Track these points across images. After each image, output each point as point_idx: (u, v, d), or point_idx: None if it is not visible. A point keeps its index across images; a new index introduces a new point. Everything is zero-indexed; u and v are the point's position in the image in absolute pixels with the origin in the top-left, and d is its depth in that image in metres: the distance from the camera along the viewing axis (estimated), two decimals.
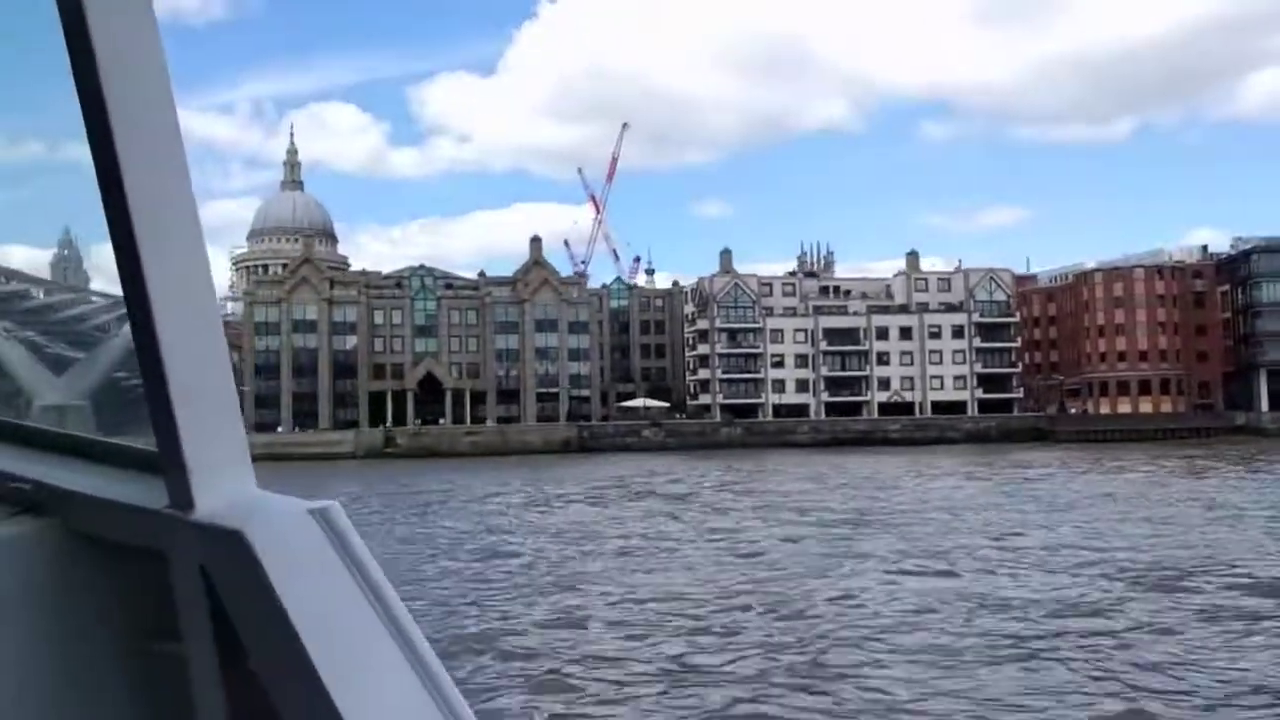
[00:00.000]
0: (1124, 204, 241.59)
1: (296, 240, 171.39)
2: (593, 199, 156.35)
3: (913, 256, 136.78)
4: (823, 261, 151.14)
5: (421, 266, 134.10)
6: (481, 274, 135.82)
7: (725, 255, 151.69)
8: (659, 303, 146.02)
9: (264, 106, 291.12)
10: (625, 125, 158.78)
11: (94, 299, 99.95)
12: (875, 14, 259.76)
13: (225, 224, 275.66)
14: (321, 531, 1.20)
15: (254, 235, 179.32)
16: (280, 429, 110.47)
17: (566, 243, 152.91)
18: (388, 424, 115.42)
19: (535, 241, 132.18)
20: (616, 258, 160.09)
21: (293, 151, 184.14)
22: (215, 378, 1.24)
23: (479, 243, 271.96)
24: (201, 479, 1.22)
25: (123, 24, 1.10)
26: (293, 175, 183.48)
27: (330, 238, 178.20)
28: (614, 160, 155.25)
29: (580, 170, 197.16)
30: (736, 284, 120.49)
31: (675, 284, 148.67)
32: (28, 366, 65.45)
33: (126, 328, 1.20)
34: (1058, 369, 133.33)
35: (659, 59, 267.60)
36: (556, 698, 14.19)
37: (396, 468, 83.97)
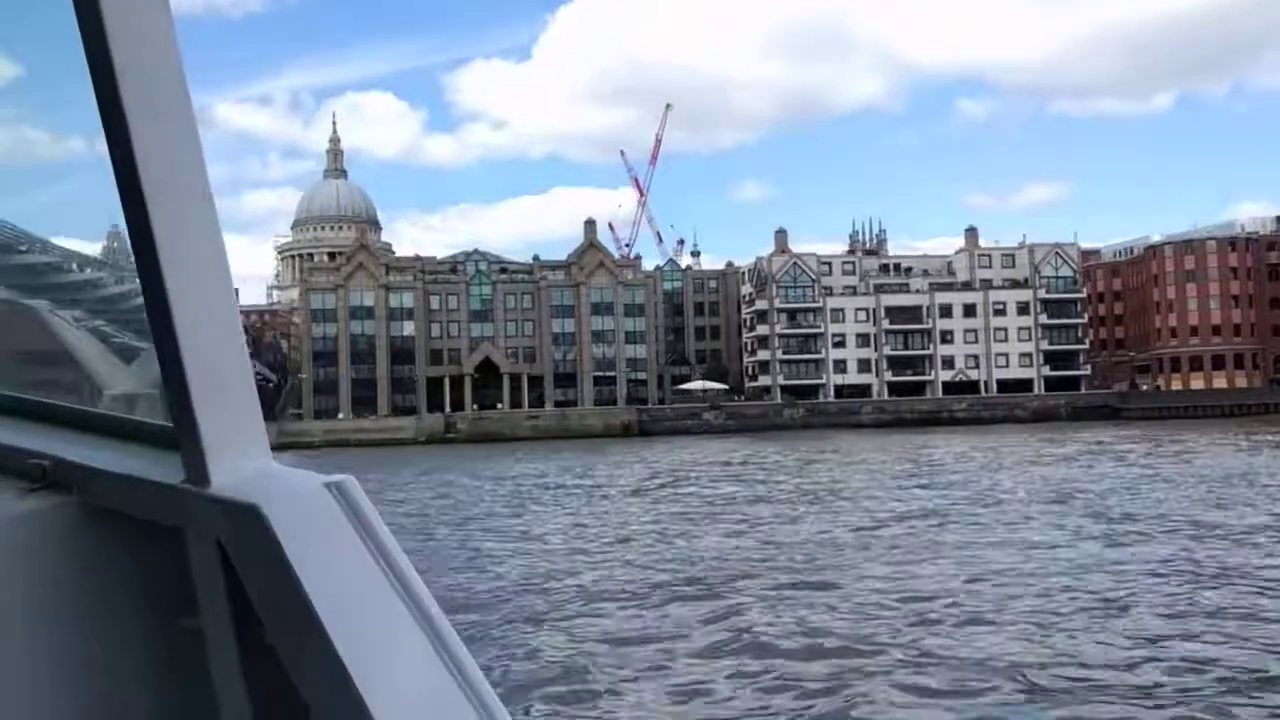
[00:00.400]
0: (1168, 177, 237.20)
1: (341, 228, 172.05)
2: (635, 182, 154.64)
3: (971, 233, 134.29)
4: (875, 240, 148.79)
5: (475, 251, 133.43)
6: (535, 258, 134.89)
7: (780, 235, 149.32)
8: (713, 284, 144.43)
9: (301, 97, 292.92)
10: (668, 106, 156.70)
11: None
12: None
13: (265, 214, 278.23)
14: (338, 506, 1.20)
15: (298, 224, 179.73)
16: (341, 415, 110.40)
17: (610, 226, 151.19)
18: (446, 409, 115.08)
19: (589, 224, 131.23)
20: (660, 240, 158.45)
21: (335, 140, 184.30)
22: (229, 354, 1.25)
23: (517, 229, 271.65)
24: (217, 454, 1.23)
25: (138, 18, 1.11)
26: (336, 164, 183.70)
27: (374, 225, 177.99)
28: (658, 142, 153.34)
29: (623, 153, 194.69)
30: (795, 263, 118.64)
31: (729, 265, 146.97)
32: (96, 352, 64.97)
33: None
34: (1123, 345, 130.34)
35: (694, 41, 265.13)
36: None
37: (463, 452, 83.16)
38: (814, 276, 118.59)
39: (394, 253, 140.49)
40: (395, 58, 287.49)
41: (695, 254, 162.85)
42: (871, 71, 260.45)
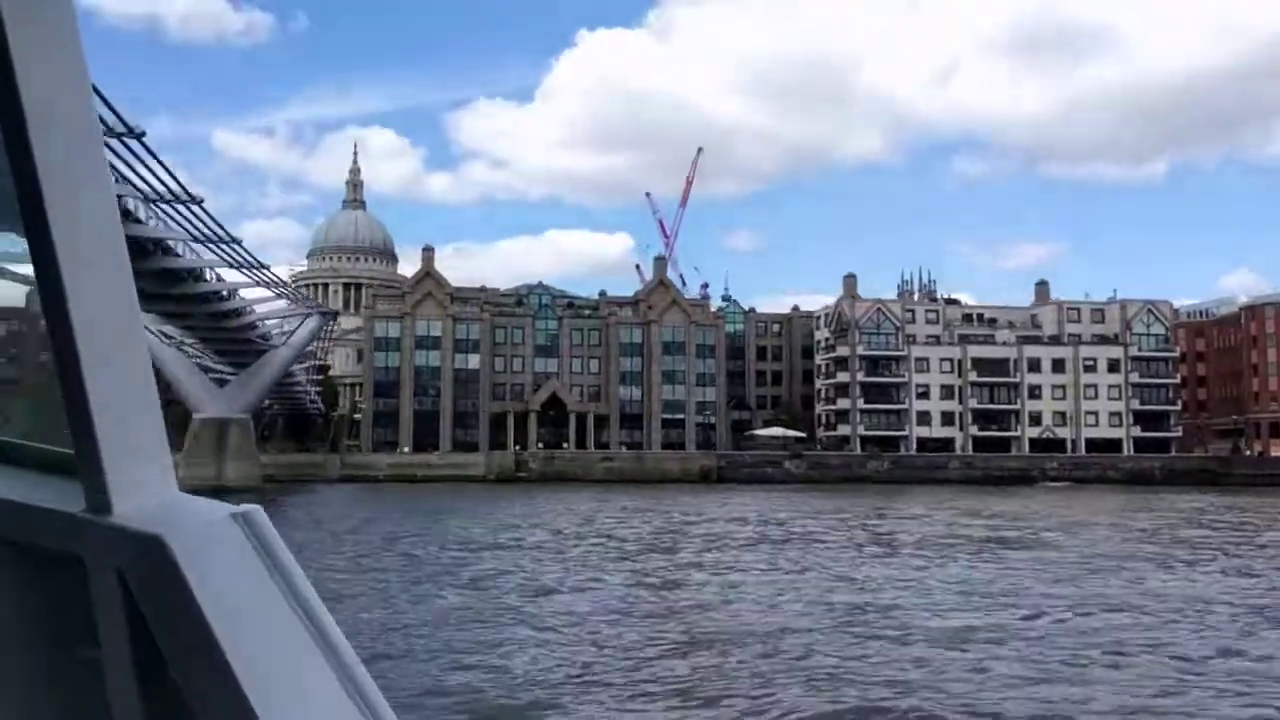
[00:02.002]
0: (1159, 244, 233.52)
1: (358, 259, 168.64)
2: (660, 224, 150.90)
3: (1043, 287, 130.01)
4: (924, 290, 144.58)
5: (539, 284, 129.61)
6: (602, 293, 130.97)
7: (849, 280, 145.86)
8: (775, 328, 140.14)
9: (303, 129, 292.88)
10: (700, 150, 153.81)
11: None
12: (911, 47, 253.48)
13: (262, 243, 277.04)
14: (244, 536, 1.17)
15: (314, 254, 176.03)
16: (405, 449, 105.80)
17: (638, 266, 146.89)
18: (513, 447, 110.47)
19: (660, 261, 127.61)
20: (684, 284, 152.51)
21: (355, 170, 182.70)
22: (135, 381, 1.20)
23: (512, 269, 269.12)
24: (120, 482, 1.18)
25: (42, 32, 1.05)
26: (355, 195, 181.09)
27: (391, 258, 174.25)
28: (688, 184, 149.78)
29: (648, 194, 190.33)
30: (879, 309, 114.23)
31: (795, 309, 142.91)
32: None
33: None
34: (1204, 408, 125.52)
35: (695, 89, 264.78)
36: None
37: (541, 493, 78.25)
38: (898, 324, 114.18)
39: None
40: (398, 95, 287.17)
41: (726, 299, 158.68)
42: (873, 126, 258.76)
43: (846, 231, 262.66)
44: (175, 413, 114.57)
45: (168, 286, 46.12)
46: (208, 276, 49.84)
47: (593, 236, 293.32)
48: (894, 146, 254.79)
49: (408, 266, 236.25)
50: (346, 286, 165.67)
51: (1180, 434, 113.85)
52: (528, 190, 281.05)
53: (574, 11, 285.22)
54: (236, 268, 51.43)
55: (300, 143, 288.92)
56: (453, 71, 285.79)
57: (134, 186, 31.38)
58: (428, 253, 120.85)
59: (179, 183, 35.99)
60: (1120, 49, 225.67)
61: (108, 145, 23.76)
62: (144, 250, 40.00)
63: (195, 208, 37.75)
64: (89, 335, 1.13)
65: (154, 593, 1.13)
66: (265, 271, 53.74)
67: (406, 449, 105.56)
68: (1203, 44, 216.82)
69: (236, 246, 48.69)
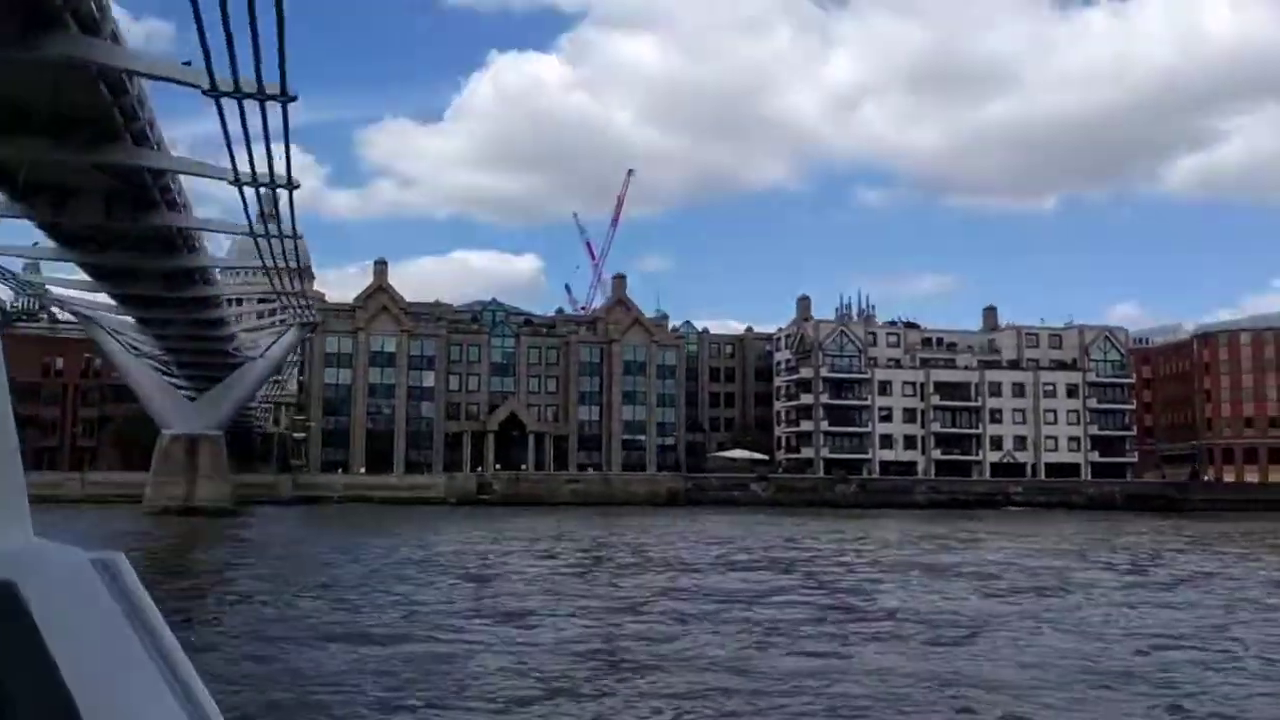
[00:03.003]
0: (1052, 276, 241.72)
1: (275, 277, 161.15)
2: (588, 245, 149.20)
3: (991, 312, 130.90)
4: (862, 315, 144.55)
5: (493, 300, 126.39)
6: (559, 310, 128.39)
7: (803, 302, 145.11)
8: (729, 349, 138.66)
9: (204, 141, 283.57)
10: (631, 171, 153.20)
11: None
12: (818, 79, 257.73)
13: None
14: (103, 583, 1.12)
15: (225, 270, 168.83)
16: (362, 470, 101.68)
17: (568, 287, 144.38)
18: (466, 468, 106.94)
19: (619, 279, 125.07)
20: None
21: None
22: None
23: (418, 289, 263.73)
24: None
25: None
26: (273, 208, 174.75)
27: (309, 274, 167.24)
28: (619, 204, 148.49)
29: (575, 215, 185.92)
30: (843, 331, 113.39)
31: (749, 330, 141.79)
32: None
33: None
34: (1151, 434, 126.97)
35: (606, 113, 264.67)
36: None
37: (510, 516, 75.24)
38: (860, 346, 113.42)
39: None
40: (304, 110, 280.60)
41: (663, 317, 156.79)
42: (779, 154, 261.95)
43: (754, 256, 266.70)
44: (148, 430, 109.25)
45: (178, 289, 42.64)
46: (214, 279, 46.04)
47: (501, 257, 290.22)
48: (801, 174, 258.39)
49: (322, 284, 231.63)
50: (261, 301, 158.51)
51: (1136, 459, 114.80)
52: (435, 210, 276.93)
53: (487, 33, 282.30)
54: (258, 270, 46.57)
55: (200, 155, 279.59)
56: (361, 89, 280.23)
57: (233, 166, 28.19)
58: (381, 266, 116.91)
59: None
60: (1017, 88, 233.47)
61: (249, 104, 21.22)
62: (170, 245, 36.56)
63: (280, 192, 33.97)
64: None
65: (5, 643, 1.05)
66: (271, 278, 49.10)
67: (362, 469, 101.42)
68: (1095, 86, 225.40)
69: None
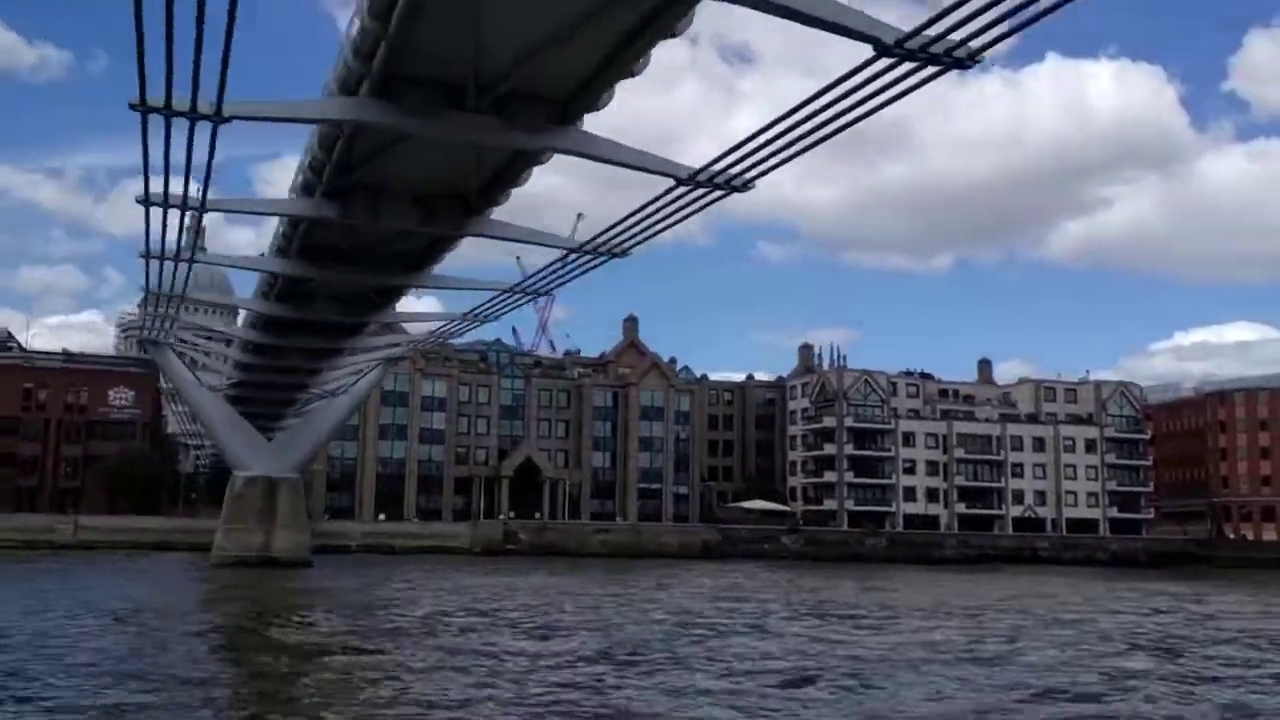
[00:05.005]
0: (943, 333, 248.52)
1: (196, 310, 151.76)
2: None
3: (985, 365, 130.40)
4: (836, 366, 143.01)
5: (497, 341, 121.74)
6: (567, 353, 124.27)
7: (805, 350, 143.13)
8: (727, 396, 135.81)
9: (96, 174, 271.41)
10: (580, 215, 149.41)
11: None
12: (722, 131, 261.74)
13: (41, 290, 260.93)
14: None
15: (149, 299, 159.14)
16: (382, 516, 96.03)
17: (514, 330, 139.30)
18: (478, 515, 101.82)
19: (630, 321, 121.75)
20: (553, 348, 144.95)
21: (198, 217, 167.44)
22: None
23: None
24: None
25: None
26: (198, 241, 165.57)
27: (234, 311, 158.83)
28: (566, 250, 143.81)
29: (518, 258, 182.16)
30: (867, 380, 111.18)
31: (750, 377, 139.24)
32: None
33: None
34: (1157, 490, 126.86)
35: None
36: None
37: (550, 569, 70.74)
38: (884, 396, 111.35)
39: None
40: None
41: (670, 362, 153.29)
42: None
43: (658, 307, 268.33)
44: (141, 470, 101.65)
45: (355, 313, 38.04)
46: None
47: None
48: (706, 229, 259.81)
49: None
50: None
51: (1152, 516, 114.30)
52: None
53: None
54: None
55: (91, 188, 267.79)
56: (265, 125, 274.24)
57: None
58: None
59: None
60: (914, 150, 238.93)
61: None
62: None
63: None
64: None
65: None
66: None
67: (383, 516, 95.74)
68: (987, 151, 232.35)
69: None
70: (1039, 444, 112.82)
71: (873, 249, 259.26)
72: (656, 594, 49.19)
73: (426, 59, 17.26)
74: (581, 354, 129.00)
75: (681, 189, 19.45)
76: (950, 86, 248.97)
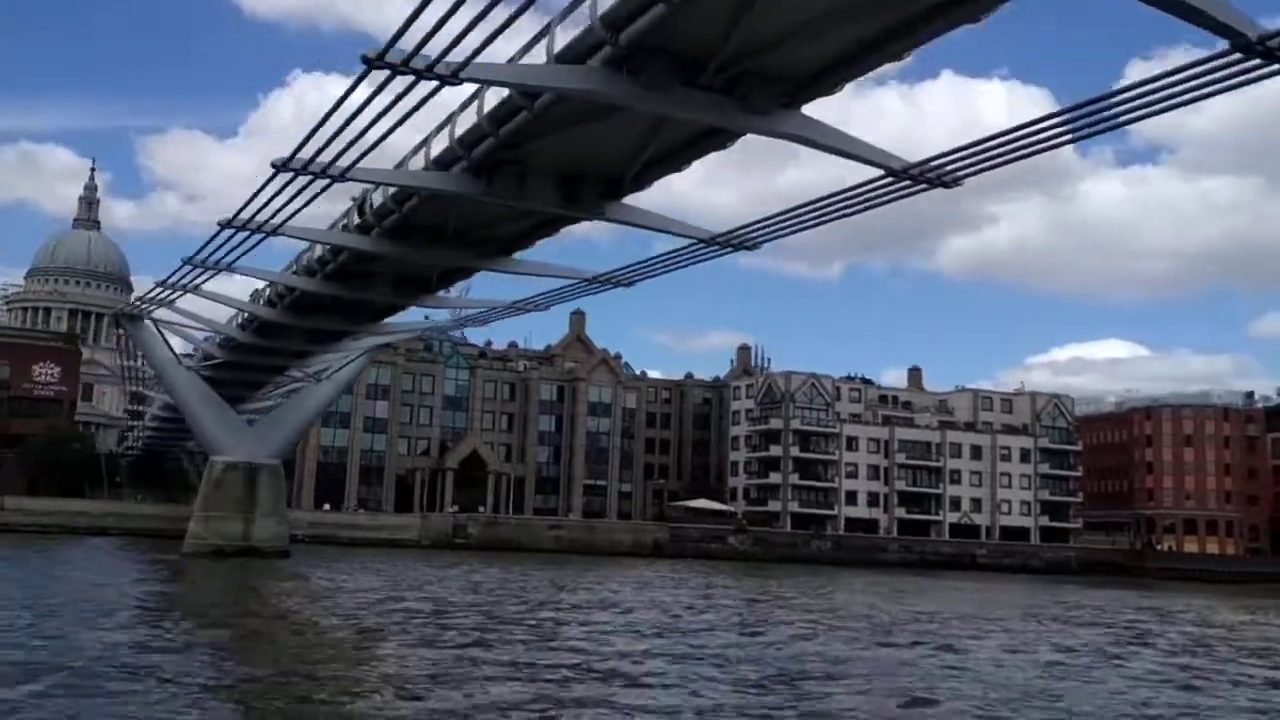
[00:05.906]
0: (834, 339, 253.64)
1: (89, 284, 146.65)
2: None
3: (915, 372, 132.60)
4: (762, 368, 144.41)
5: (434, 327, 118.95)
6: (513, 345, 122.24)
7: (744, 351, 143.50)
8: (665, 394, 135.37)
9: None
10: None
11: None
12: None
13: None
14: None
15: (36, 274, 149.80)
16: (326, 507, 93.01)
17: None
18: (418, 507, 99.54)
19: (578, 315, 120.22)
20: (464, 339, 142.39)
21: (92, 188, 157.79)
22: None
23: (199, 310, 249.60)
24: None
25: None
26: (89, 214, 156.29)
27: (125, 285, 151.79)
28: None
29: None
30: (813, 383, 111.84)
31: (688, 375, 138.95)
32: None
33: None
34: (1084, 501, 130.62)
35: (408, 140, 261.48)
36: None
37: (502, 564, 69.42)
38: (829, 399, 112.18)
39: None
40: (87, 115, 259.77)
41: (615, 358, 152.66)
42: None
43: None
44: (68, 451, 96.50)
45: (409, 296, 36.16)
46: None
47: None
48: (605, 227, 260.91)
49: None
50: (73, 314, 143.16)
51: (1080, 525, 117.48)
52: None
53: (293, 53, 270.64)
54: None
55: None
56: (150, 95, 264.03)
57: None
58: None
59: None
60: (813, 159, 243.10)
61: None
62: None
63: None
64: None
65: None
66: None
67: (327, 506, 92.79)
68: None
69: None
70: (976, 452, 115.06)
71: (769, 254, 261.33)
72: (664, 595, 48.28)
73: (682, 32, 16.15)
74: (520, 346, 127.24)
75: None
76: (849, 99, 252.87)
